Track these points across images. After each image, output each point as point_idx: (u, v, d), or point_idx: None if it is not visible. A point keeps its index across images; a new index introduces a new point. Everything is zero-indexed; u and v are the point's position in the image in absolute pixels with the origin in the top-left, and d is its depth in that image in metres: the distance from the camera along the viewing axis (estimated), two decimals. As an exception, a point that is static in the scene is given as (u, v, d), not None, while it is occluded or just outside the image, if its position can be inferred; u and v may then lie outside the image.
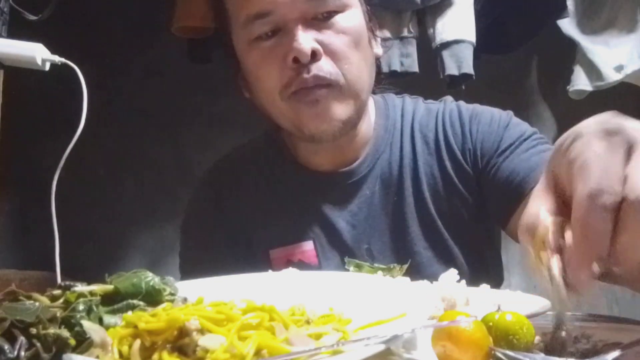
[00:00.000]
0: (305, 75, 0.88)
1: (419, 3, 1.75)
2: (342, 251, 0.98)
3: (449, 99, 1.06)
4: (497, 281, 1.01)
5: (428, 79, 1.72)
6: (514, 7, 1.92)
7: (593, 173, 0.44)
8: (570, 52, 2.15)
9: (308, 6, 0.89)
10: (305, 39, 0.87)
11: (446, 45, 1.76)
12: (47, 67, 0.99)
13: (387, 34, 1.71)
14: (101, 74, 1.63)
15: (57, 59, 0.99)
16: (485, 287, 0.71)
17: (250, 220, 1.03)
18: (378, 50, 1.00)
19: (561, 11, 1.96)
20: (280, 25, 0.89)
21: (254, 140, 1.13)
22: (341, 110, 0.91)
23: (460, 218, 0.99)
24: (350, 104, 0.92)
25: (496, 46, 2.03)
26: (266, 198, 1.03)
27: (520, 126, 0.98)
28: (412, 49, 1.79)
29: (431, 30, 1.80)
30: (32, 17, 1.55)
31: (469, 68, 1.74)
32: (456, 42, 1.75)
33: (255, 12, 0.89)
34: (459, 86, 1.77)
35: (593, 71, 2.10)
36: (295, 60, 0.88)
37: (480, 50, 1.84)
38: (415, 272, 0.83)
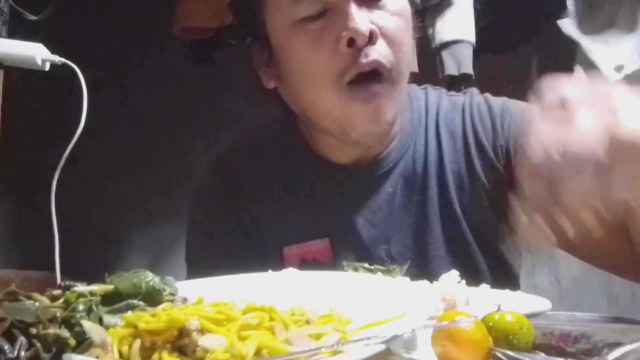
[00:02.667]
0: (364, 60, 0.81)
1: (418, 3, 1.75)
2: (359, 251, 0.91)
3: (474, 91, 0.99)
4: (514, 288, 0.96)
5: (427, 79, 1.72)
6: (514, 7, 1.92)
7: None
8: (570, 52, 2.15)
9: None
10: (362, 19, 0.80)
11: (446, 45, 1.76)
12: (47, 67, 0.99)
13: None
14: (101, 74, 1.63)
15: (57, 59, 0.99)
16: (485, 287, 0.71)
17: (263, 214, 0.95)
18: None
19: (561, 11, 1.96)
20: (330, 5, 0.82)
21: (269, 126, 1.04)
22: (389, 109, 0.85)
23: (487, 220, 0.92)
24: (396, 100, 0.87)
25: (496, 46, 2.03)
26: (281, 190, 0.96)
27: None
28: (412, 49, 1.79)
29: (431, 31, 1.79)
30: (32, 17, 1.55)
31: (468, 68, 1.74)
32: (455, 42, 1.75)
33: None
34: (458, 86, 1.77)
35: (593, 71, 2.10)
36: (351, 42, 0.80)
37: (480, 50, 1.84)
38: (433, 277, 0.82)
